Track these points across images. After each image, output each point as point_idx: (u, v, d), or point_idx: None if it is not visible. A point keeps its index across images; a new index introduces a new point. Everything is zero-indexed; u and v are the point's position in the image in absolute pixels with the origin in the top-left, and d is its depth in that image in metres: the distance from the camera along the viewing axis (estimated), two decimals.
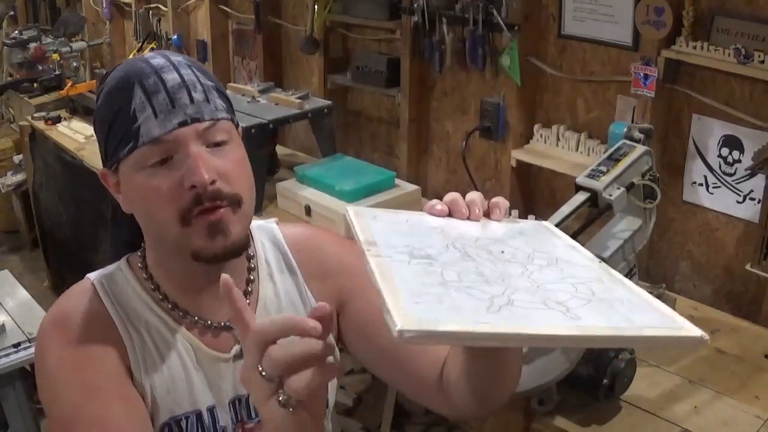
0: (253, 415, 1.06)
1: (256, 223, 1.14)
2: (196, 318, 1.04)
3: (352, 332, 1.12)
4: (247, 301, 1.06)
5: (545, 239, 0.86)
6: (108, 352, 0.98)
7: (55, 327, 0.99)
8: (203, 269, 1.00)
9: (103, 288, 1.03)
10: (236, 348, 1.05)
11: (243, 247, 0.99)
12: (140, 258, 1.06)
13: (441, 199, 0.90)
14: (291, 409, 0.71)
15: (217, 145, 0.96)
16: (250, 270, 1.10)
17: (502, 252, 0.77)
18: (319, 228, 1.22)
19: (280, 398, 0.71)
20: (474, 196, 0.89)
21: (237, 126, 1.02)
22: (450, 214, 0.88)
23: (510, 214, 0.90)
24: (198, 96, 0.94)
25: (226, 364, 1.05)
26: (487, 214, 0.89)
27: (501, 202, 0.90)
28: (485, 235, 0.82)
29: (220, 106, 0.97)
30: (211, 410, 1.03)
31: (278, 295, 1.11)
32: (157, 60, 0.96)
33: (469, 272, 0.70)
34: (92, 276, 1.05)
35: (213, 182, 0.92)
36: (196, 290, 1.04)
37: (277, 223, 1.18)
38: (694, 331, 0.65)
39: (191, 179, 0.91)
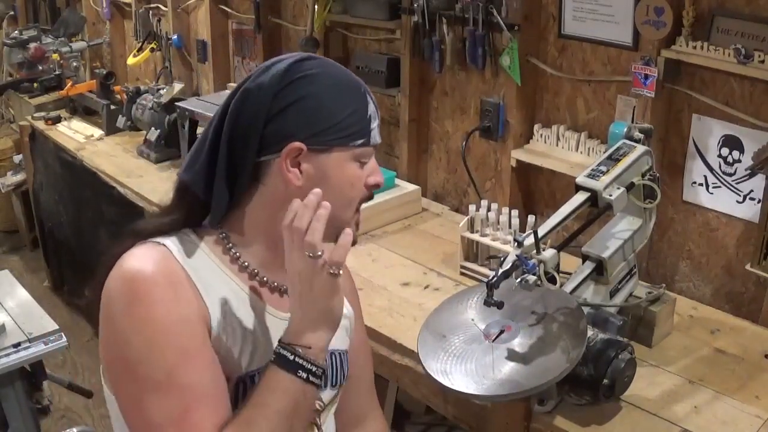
0: None
1: None
2: (265, 278, 1.19)
3: None
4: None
5: None
6: (195, 314, 1.07)
7: (145, 284, 1.05)
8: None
9: (178, 251, 1.12)
10: None
11: None
12: (219, 232, 1.18)
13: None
14: (337, 276, 1.03)
15: None
16: None
17: None
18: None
19: (331, 270, 1.03)
20: None
21: None
22: None
23: None
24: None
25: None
26: None
27: None
28: None
29: None
30: None
31: None
32: (360, 82, 1.19)
33: None
34: (163, 240, 1.13)
35: None
36: (277, 266, 1.16)
37: None
38: None
39: (377, 179, 1.20)
